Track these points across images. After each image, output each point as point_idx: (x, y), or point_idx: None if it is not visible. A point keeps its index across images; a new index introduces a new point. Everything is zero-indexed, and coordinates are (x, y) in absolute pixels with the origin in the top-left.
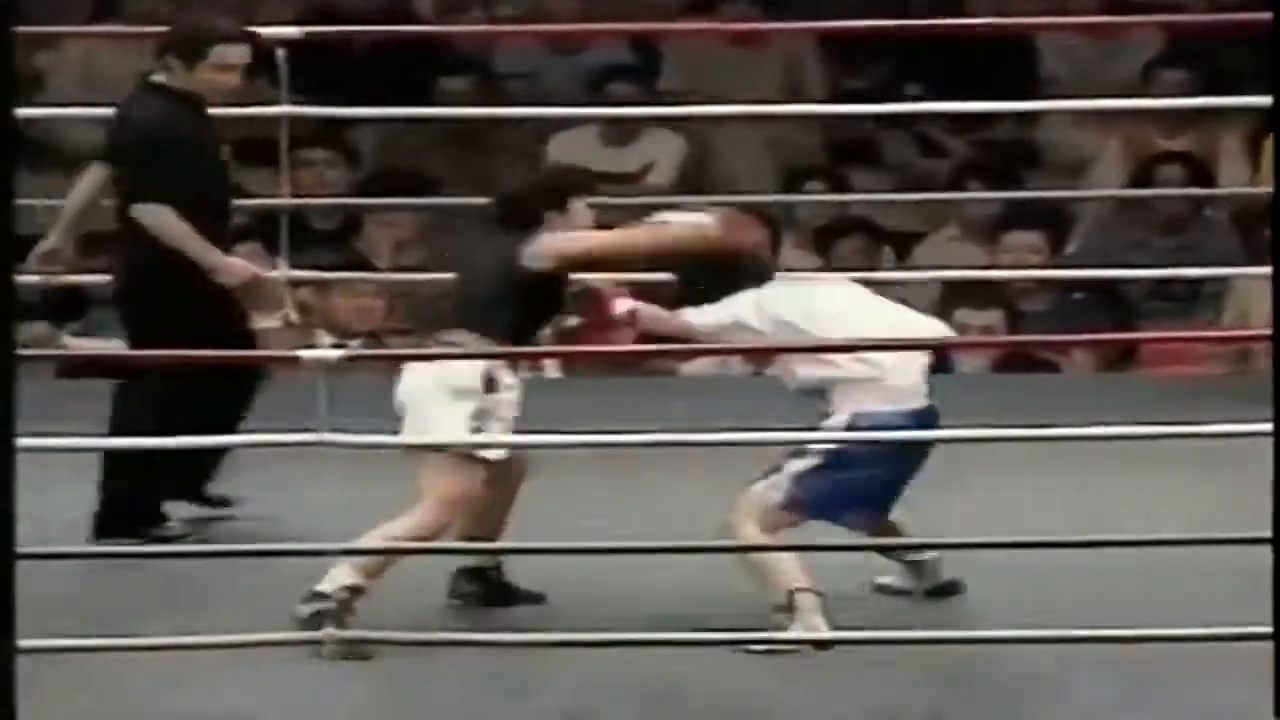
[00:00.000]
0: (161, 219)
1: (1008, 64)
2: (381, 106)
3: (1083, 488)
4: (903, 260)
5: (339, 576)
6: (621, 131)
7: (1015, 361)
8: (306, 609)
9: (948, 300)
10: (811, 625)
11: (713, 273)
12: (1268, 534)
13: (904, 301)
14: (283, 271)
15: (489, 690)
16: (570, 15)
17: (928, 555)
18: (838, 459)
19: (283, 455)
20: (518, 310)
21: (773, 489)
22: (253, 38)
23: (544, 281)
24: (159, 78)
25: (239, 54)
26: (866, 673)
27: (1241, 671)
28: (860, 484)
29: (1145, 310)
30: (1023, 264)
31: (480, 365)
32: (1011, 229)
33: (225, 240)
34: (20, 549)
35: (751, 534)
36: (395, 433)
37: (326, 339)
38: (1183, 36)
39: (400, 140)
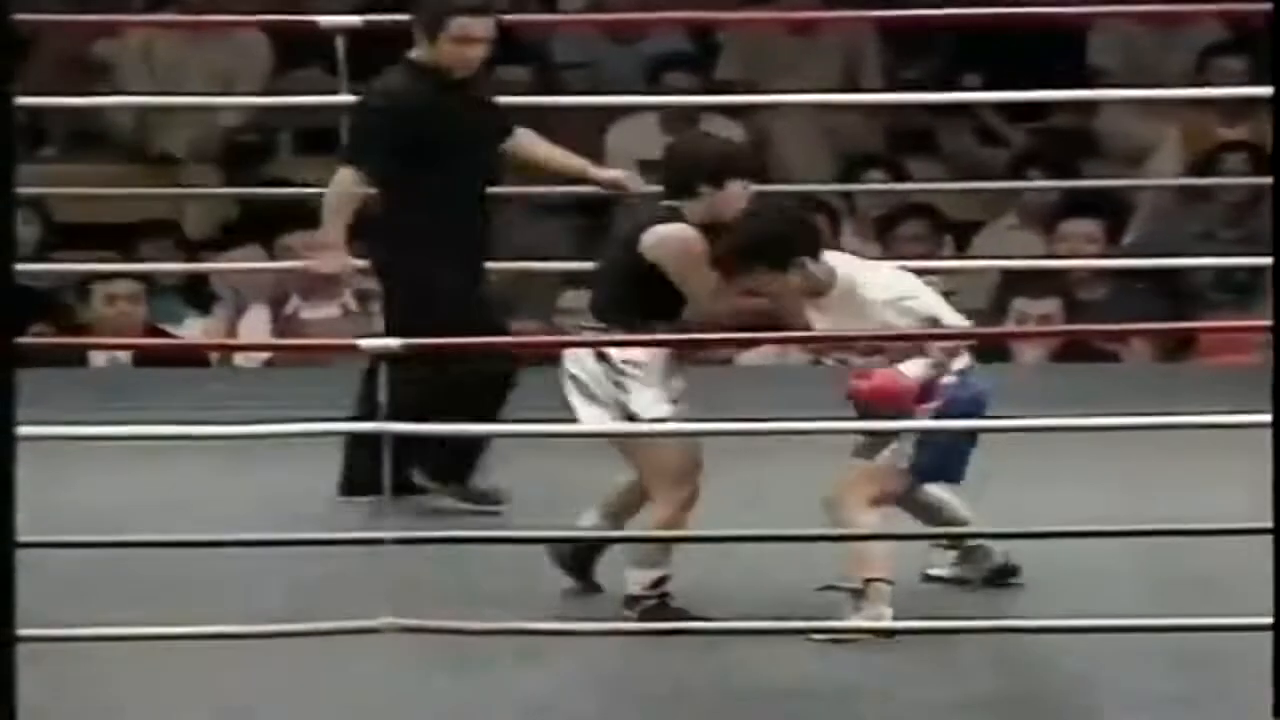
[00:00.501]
0: (333, 183)
1: (1063, 53)
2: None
3: (1138, 475)
4: (961, 249)
5: (639, 578)
6: (680, 120)
7: (1074, 351)
8: (633, 612)
9: (1006, 289)
10: (877, 615)
11: (768, 241)
12: (1268, 525)
13: (958, 291)
14: (342, 260)
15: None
16: (628, 4)
17: (978, 542)
18: (945, 417)
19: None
20: (629, 299)
21: (897, 457)
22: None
23: (656, 270)
24: (412, 53)
25: (482, 26)
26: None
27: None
28: (963, 441)
29: (1208, 300)
30: (1079, 252)
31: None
32: (1069, 218)
33: (468, 218)
34: (24, 538)
35: (858, 510)
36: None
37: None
38: (1241, 24)
39: None
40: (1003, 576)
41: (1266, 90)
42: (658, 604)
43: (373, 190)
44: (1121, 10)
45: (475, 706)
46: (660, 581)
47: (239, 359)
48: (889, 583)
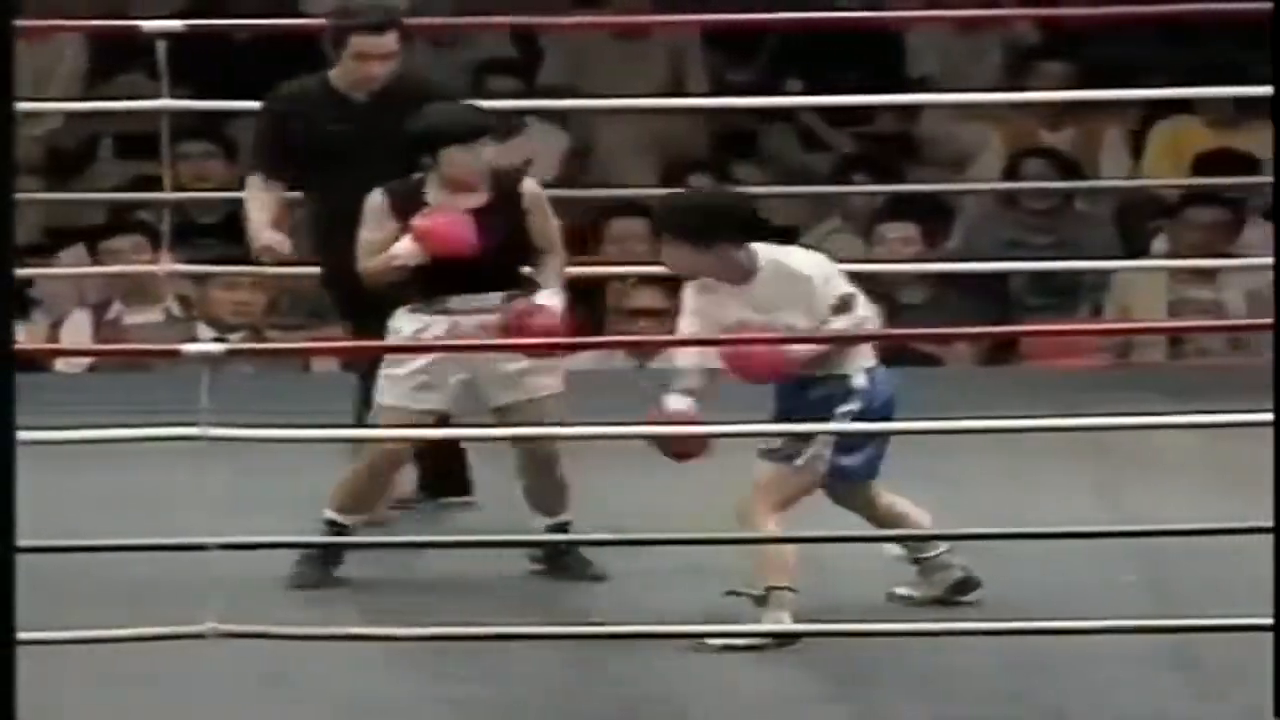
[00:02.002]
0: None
1: (881, 58)
2: (262, 100)
3: (968, 477)
4: None
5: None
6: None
7: (896, 354)
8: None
9: None
10: (776, 621)
11: (700, 211)
12: (1268, 523)
13: None
14: (165, 265)
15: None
16: (450, 9)
17: (934, 553)
18: (861, 419)
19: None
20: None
21: (813, 460)
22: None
23: None
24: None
25: (381, 44)
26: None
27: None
28: (878, 440)
29: (1025, 304)
30: (896, 255)
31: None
32: (888, 221)
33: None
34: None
35: (763, 517)
36: (275, 426)
37: (206, 332)
38: (1058, 29)
39: None
40: (963, 590)
41: (1086, 93)
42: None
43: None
44: (940, 15)
45: None
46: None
47: (60, 364)
48: (792, 590)
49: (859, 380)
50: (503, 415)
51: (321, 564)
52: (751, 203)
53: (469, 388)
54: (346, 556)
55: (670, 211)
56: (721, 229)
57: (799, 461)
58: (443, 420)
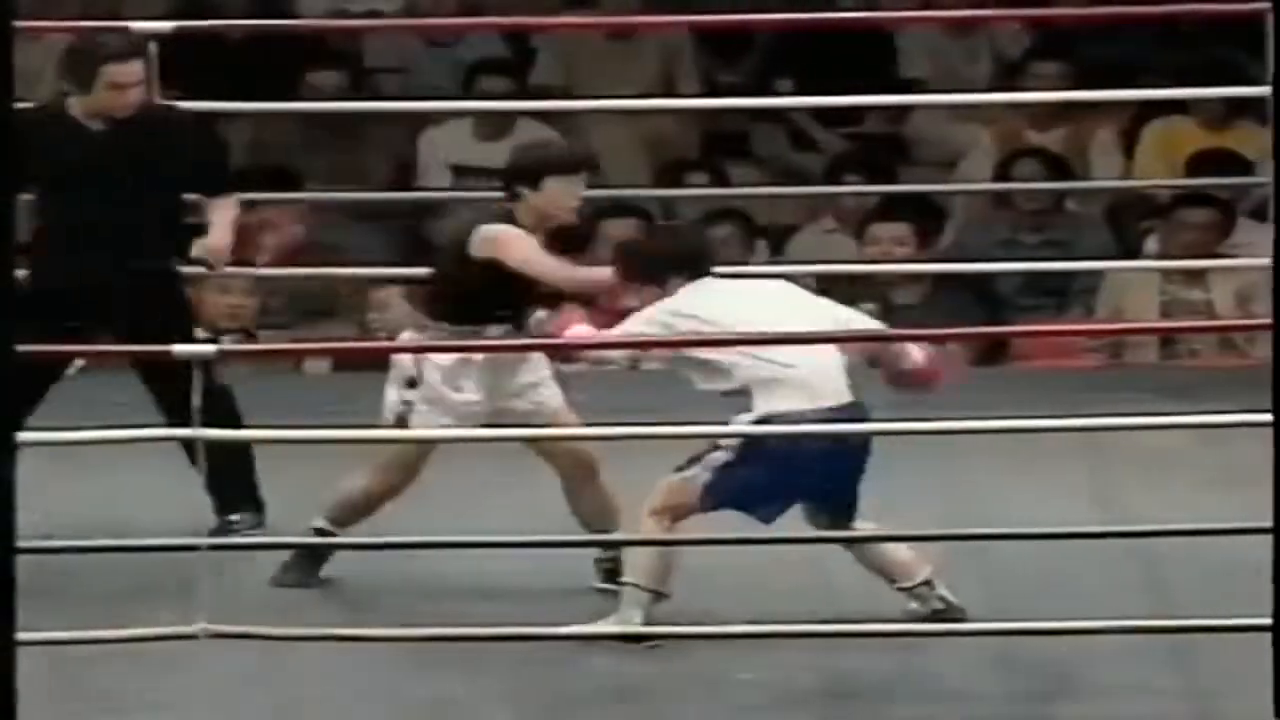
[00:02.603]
0: None
1: (873, 59)
2: (252, 101)
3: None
4: (777, 253)
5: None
6: (494, 126)
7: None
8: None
9: (821, 294)
10: (627, 620)
11: (652, 254)
12: (1267, 524)
13: None
14: None
15: None
16: (442, 8)
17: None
18: (753, 454)
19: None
20: (457, 296)
21: (693, 477)
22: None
23: (487, 270)
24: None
25: (129, 73)
26: None
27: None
28: (773, 478)
29: (1017, 304)
30: (889, 255)
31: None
32: (881, 221)
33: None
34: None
35: (653, 520)
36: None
37: (199, 334)
38: (1050, 28)
39: (272, 135)
40: (947, 618)
41: (1078, 94)
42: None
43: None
44: (932, 15)
45: None
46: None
47: None
48: (656, 593)
49: (747, 417)
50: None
51: (310, 565)
52: (701, 239)
53: (489, 406)
54: (336, 556)
55: (625, 258)
56: (674, 268)
57: (686, 474)
58: None
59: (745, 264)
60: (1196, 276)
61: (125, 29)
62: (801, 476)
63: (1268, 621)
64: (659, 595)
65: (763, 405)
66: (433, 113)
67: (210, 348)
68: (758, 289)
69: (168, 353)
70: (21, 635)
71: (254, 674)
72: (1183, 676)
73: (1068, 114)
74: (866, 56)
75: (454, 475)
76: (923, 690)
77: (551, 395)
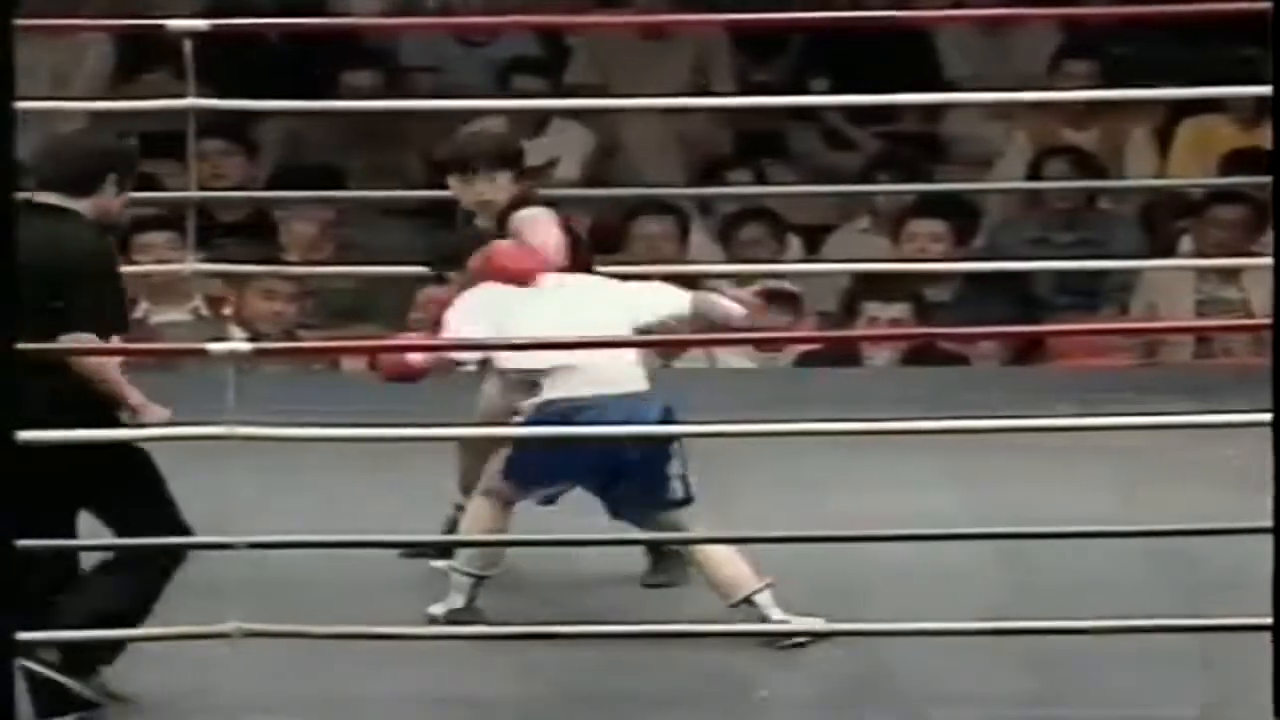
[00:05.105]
0: None
1: (909, 58)
2: (287, 100)
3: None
4: (813, 252)
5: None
6: (528, 124)
7: (923, 353)
8: None
9: (856, 293)
10: (449, 604)
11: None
12: (1267, 524)
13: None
14: (190, 265)
15: None
16: (477, 8)
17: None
18: (528, 440)
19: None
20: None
21: (497, 465)
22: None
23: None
24: None
25: None
26: None
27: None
28: (550, 460)
29: (1051, 303)
30: (926, 251)
31: None
32: (917, 218)
33: None
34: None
35: (477, 504)
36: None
37: (237, 333)
38: (1082, 29)
39: (306, 134)
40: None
41: (1112, 93)
42: None
43: None
44: (965, 14)
45: None
46: None
47: None
48: (477, 576)
49: (527, 405)
50: None
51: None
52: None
53: None
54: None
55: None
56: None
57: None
58: None
59: (774, 262)
60: (1231, 275)
61: (161, 27)
62: (576, 460)
63: (1268, 621)
64: (482, 579)
65: (547, 391)
66: (467, 112)
67: (245, 346)
68: (543, 293)
69: (203, 350)
70: (21, 635)
71: (287, 672)
72: (1185, 677)
73: (1102, 113)
74: (901, 56)
75: None
76: (923, 690)
77: None
